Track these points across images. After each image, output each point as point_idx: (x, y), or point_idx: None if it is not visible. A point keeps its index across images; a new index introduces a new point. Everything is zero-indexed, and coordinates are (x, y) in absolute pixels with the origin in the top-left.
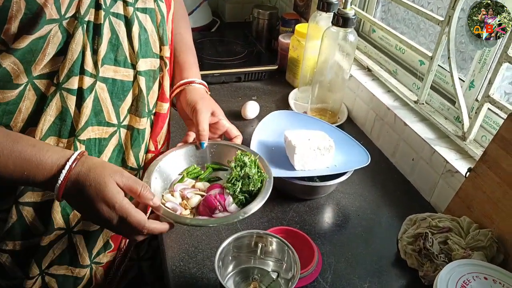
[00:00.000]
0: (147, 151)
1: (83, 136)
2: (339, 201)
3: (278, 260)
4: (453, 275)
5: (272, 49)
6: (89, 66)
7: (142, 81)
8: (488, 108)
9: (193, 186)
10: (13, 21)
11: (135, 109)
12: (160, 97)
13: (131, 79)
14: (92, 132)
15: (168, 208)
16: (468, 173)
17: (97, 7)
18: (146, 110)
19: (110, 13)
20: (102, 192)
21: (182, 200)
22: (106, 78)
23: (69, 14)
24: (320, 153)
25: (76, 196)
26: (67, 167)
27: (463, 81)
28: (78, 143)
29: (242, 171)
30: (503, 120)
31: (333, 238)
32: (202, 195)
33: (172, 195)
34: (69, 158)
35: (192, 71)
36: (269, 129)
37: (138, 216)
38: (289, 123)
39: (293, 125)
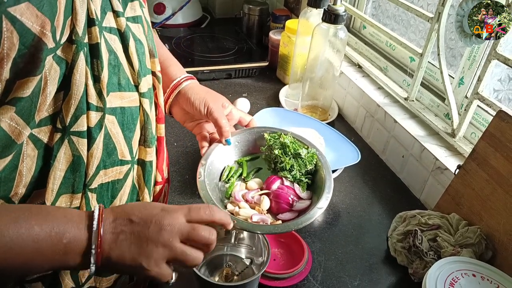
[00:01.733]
0: (155, 183)
1: (95, 184)
2: None
3: (250, 246)
4: (442, 273)
5: (263, 46)
6: (93, 98)
7: (146, 104)
8: (478, 105)
9: (247, 188)
10: (5, 63)
11: (144, 139)
12: (158, 119)
13: (137, 103)
14: (104, 176)
15: (256, 222)
16: (457, 170)
17: (90, 23)
18: (152, 138)
19: (103, 28)
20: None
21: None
22: (114, 109)
23: (64, 39)
24: None
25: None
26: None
27: (453, 78)
28: (89, 194)
29: (289, 154)
30: (492, 117)
31: (323, 236)
32: (266, 194)
33: (239, 206)
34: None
35: (177, 67)
36: None
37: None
38: (279, 120)
39: (284, 123)
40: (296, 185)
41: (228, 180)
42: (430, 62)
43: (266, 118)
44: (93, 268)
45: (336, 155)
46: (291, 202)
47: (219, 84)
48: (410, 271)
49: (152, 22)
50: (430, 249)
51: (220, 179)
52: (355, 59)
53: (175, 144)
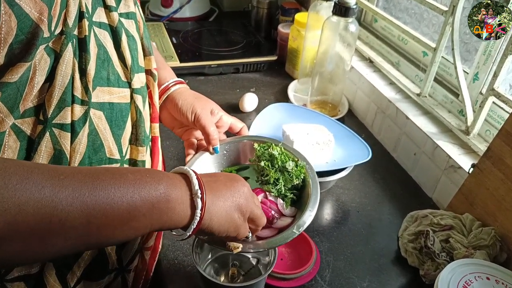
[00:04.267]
0: None
1: None
2: (338, 197)
3: None
4: (454, 275)
5: (272, 39)
6: (78, 91)
7: (139, 100)
8: (493, 102)
9: None
10: (1, 48)
11: (135, 138)
12: (152, 118)
13: (128, 100)
14: None
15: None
16: (471, 169)
17: (80, 16)
18: (145, 137)
19: (93, 22)
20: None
21: None
22: (102, 104)
23: (57, 31)
24: (319, 148)
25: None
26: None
27: (467, 73)
28: None
29: (276, 166)
30: (508, 115)
31: (332, 235)
32: None
33: None
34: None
35: (166, 71)
36: (267, 122)
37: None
38: (287, 116)
39: (292, 119)
40: (280, 200)
41: None
42: (443, 57)
43: (274, 113)
44: (194, 224)
45: (346, 152)
46: (271, 219)
47: (227, 79)
48: (421, 272)
49: (159, 16)
50: (443, 250)
51: None
52: (366, 54)
53: (181, 140)
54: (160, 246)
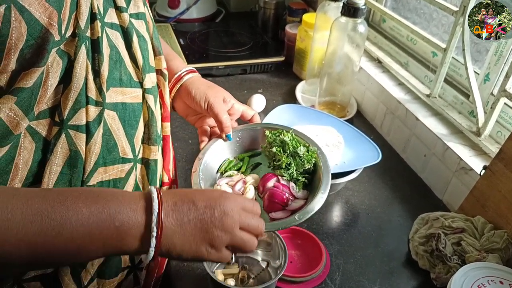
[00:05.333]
0: (162, 183)
1: (93, 181)
2: (347, 199)
3: (267, 248)
4: (467, 279)
5: (279, 40)
6: (92, 92)
7: (150, 100)
8: (505, 103)
9: (244, 182)
10: (12, 53)
11: (148, 137)
12: (163, 117)
13: (140, 100)
14: (105, 174)
15: None
16: (483, 171)
17: (92, 18)
18: (157, 136)
19: (105, 23)
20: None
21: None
22: (116, 104)
23: (68, 33)
24: (328, 149)
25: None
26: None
27: (478, 74)
28: None
29: (287, 151)
30: None
31: (342, 238)
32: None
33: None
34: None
35: (177, 61)
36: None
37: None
38: (296, 117)
39: (301, 120)
40: (292, 184)
41: (225, 172)
42: (453, 57)
43: (282, 115)
44: (151, 253)
45: (356, 154)
46: (285, 201)
47: (234, 80)
48: (433, 275)
49: (166, 17)
50: (454, 253)
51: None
52: (375, 54)
53: (190, 141)
54: None
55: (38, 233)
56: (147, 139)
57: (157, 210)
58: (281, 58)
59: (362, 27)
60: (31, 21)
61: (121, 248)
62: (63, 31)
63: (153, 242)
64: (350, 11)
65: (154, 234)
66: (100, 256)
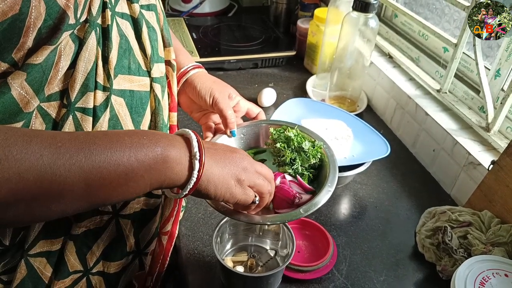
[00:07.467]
0: None
1: None
2: (356, 192)
3: (275, 237)
4: (472, 271)
5: (290, 35)
6: (100, 77)
7: (157, 89)
8: None
9: None
10: (30, 32)
11: (154, 125)
12: (171, 107)
13: (148, 88)
14: None
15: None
16: (491, 166)
17: (103, 6)
18: (163, 125)
19: (115, 13)
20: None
21: None
22: (123, 91)
23: (82, 18)
24: (338, 143)
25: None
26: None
27: (489, 70)
28: None
29: (292, 147)
30: None
31: (349, 229)
32: None
33: None
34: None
35: (184, 56)
36: (286, 117)
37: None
38: (306, 111)
39: (311, 114)
40: (298, 177)
41: None
42: (464, 53)
43: (292, 108)
44: (192, 181)
45: (365, 147)
46: (293, 198)
47: (246, 74)
48: (439, 268)
49: (179, 11)
50: (460, 246)
51: None
52: (386, 49)
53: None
54: (176, 232)
55: (88, 158)
56: (154, 127)
57: (197, 147)
58: (293, 53)
59: (373, 22)
60: (50, 2)
61: (168, 179)
62: (78, 15)
63: (195, 174)
64: (361, 6)
65: (197, 167)
66: (144, 191)
